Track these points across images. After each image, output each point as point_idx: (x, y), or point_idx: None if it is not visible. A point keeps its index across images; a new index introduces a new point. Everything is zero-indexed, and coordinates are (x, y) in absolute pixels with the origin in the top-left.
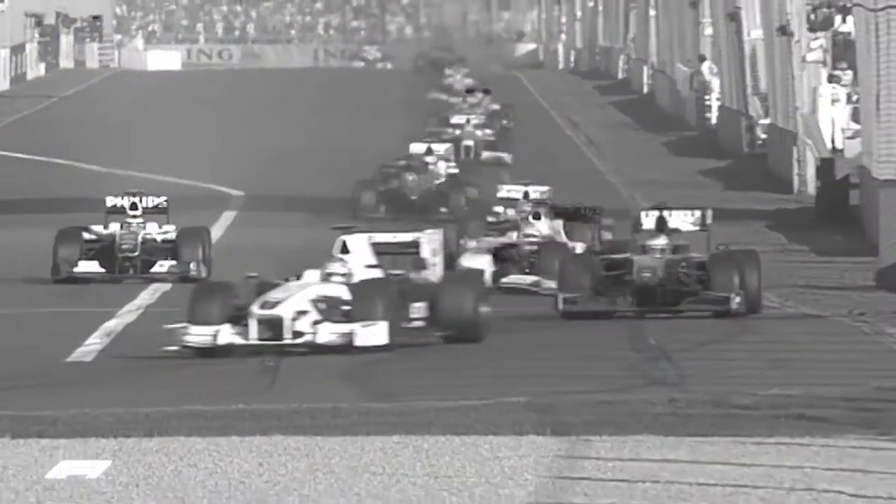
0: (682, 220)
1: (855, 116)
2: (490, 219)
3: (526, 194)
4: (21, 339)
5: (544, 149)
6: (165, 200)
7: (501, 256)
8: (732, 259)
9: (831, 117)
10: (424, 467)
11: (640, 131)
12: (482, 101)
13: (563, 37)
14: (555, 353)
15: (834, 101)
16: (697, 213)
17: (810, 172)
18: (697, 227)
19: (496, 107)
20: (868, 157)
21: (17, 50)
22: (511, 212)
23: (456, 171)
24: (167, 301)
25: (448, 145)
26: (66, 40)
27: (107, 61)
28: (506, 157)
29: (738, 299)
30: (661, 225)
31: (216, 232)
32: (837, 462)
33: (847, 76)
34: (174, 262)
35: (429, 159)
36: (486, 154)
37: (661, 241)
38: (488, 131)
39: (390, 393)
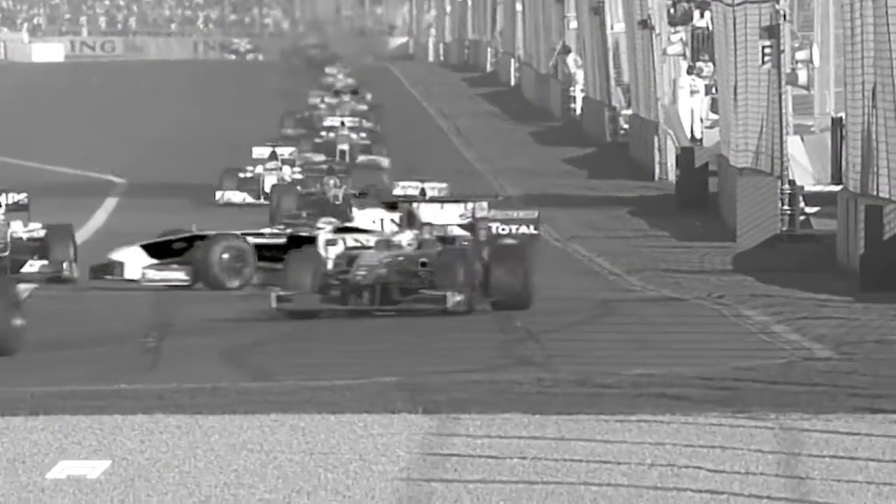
0: (450, 214)
1: (713, 107)
2: None
3: (423, 191)
4: None
5: (415, 138)
6: (26, 196)
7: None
8: (461, 256)
9: (691, 108)
10: (300, 444)
11: (507, 121)
12: (349, 103)
13: (433, 31)
14: (424, 335)
15: (693, 93)
16: (470, 206)
17: (671, 161)
18: (468, 220)
19: (363, 107)
20: (726, 147)
21: None
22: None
23: (300, 176)
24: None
25: (293, 149)
26: None
27: None
28: (383, 161)
29: (457, 298)
30: (411, 220)
31: (100, 217)
32: (697, 439)
33: (708, 68)
34: (45, 262)
35: (270, 165)
36: (361, 158)
37: (405, 237)
38: (363, 134)
39: (267, 373)
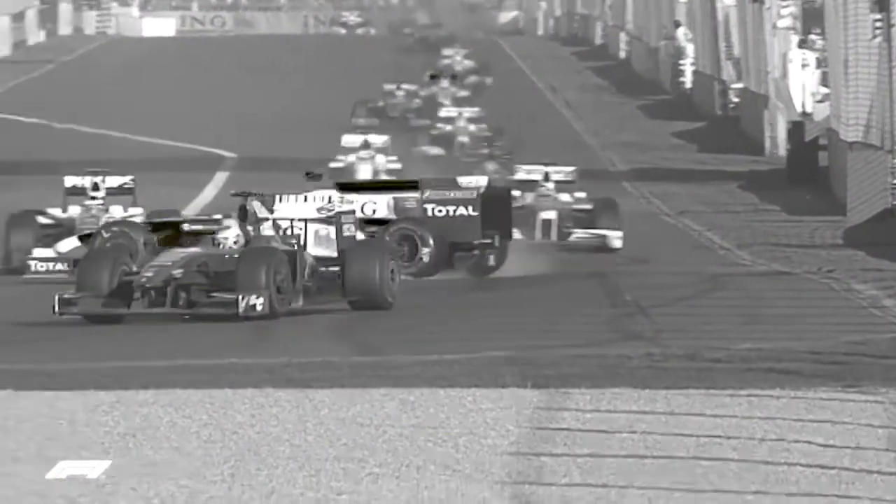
0: (308, 208)
1: (824, 81)
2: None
3: (546, 175)
4: None
5: (525, 111)
6: (132, 180)
7: None
8: (263, 257)
9: (801, 82)
10: (410, 418)
11: (616, 95)
12: (447, 89)
13: (543, 4)
14: (534, 310)
15: (804, 66)
16: (326, 196)
17: (781, 135)
18: (326, 214)
19: (464, 93)
20: (836, 120)
21: (18, 17)
22: (529, 195)
23: (398, 166)
24: None
25: (386, 137)
26: (64, 8)
27: (104, 28)
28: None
29: (254, 301)
30: (243, 214)
31: (210, 191)
32: (807, 413)
33: (820, 41)
34: None
35: (363, 154)
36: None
37: (230, 234)
38: (483, 126)
39: (377, 347)
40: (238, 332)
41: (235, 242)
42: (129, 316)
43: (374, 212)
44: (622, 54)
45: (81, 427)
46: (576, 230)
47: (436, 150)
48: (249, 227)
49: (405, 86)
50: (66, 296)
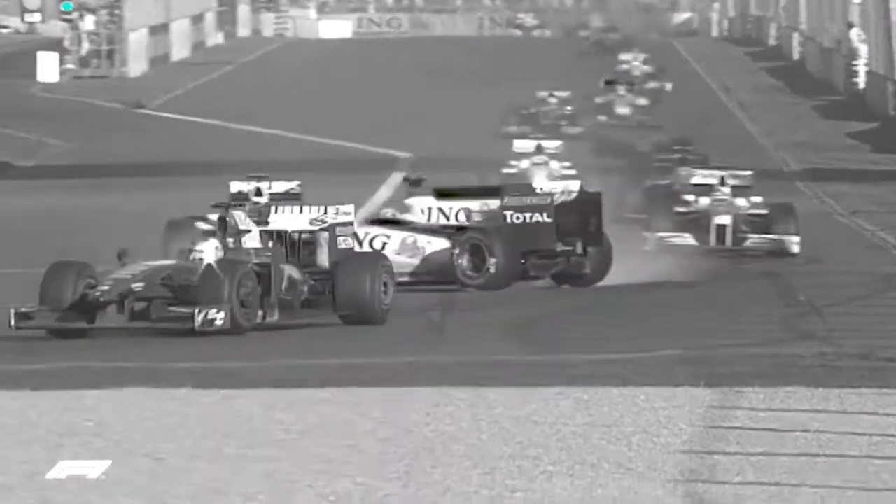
0: (300, 220)
1: None
2: (680, 209)
3: (722, 180)
4: None
5: (698, 112)
6: (298, 185)
7: None
8: (227, 271)
9: None
10: (584, 417)
11: (790, 95)
12: (624, 97)
13: (717, 6)
14: (707, 310)
15: None
16: (331, 210)
17: None
18: (319, 227)
19: (642, 101)
20: None
21: (198, 19)
22: (704, 200)
23: (573, 171)
24: None
25: (560, 142)
26: (243, 10)
27: (282, 30)
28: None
29: (213, 315)
30: (223, 226)
31: (384, 192)
32: None
33: None
34: None
35: (537, 159)
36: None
37: (208, 246)
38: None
39: (552, 346)
40: (413, 331)
41: (217, 254)
42: (94, 330)
43: (467, 217)
44: (796, 55)
45: (259, 424)
46: (751, 235)
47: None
48: (230, 239)
49: (557, 93)
50: (22, 309)
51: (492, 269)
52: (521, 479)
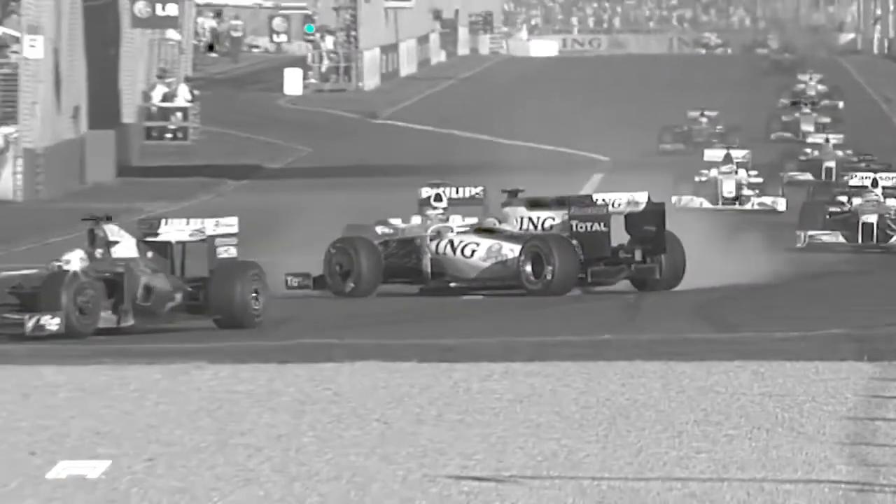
0: (183, 231)
1: None
2: (833, 209)
3: (875, 181)
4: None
5: (861, 122)
6: (482, 190)
7: None
8: (63, 280)
9: None
10: (760, 387)
11: None
12: (809, 115)
13: (879, 26)
14: (866, 295)
15: None
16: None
17: None
18: (199, 238)
19: (825, 120)
20: None
21: (423, 40)
22: (857, 200)
23: (760, 180)
24: None
25: (746, 151)
26: (462, 32)
27: (496, 49)
28: None
29: (44, 321)
30: (91, 238)
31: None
32: None
33: None
34: None
35: (725, 168)
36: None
37: (74, 256)
38: (849, 151)
39: (732, 325)
40: (610, 313)
41: (81, 264)
42: None
43: (550, 227)
44: None
45: (475, 395)
46: None
47: (805, 177)
48: (98, 251)
49: (708, 112)
50: None
51: (548, 276)
52: (705, 442)
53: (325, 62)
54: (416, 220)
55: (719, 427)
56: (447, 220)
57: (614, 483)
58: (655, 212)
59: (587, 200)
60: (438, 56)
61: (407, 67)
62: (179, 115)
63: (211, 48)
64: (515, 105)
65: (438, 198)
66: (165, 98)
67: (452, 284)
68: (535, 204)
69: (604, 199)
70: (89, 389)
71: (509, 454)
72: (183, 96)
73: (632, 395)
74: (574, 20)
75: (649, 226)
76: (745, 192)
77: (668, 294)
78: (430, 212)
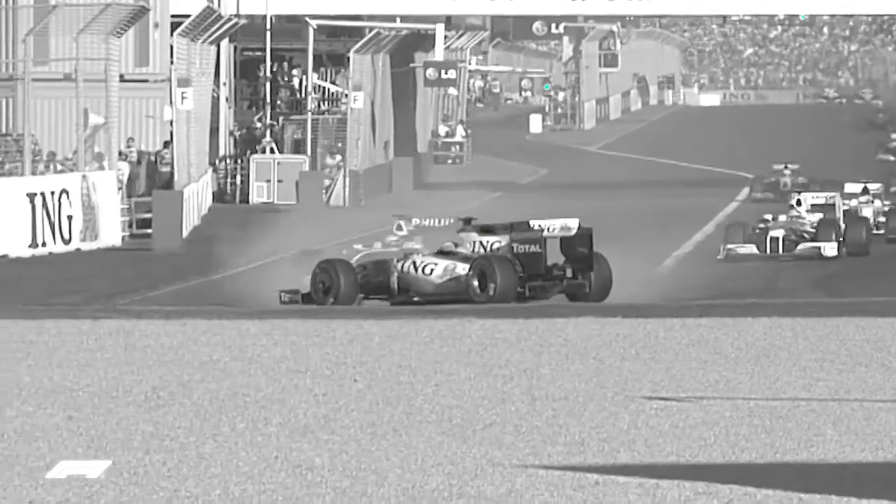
0: None
1: None
2: (758, 226)
3: (798, 201)
4: None
5: None
6: (451, 221)
7: None
8: None
9: None
10: (862, 336)
11: None
12: None
13: None
14: None
15: None
16: None
17: None
18: None
19: None
20: None
21: (625, 94)
22: (783, 217)
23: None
24: None
25: (879, 185)
26: (653, 88)
27: (676, 100)
28: None
29: None
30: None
31: (732, 205)
32: None
33: None
34: None
35: (864, 198)
36: None
37: None
38: None
39: (841, 292)
40: (755, 283)
41: None
42: None
43: (497, 249)
44: None
45: (661, 340)
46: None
47: None
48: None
49: (791, 165)
50: None
51: (491, 292)
52: (822, 374)
53: (559, 110)
54: (377, 245)
55: (832, 363)
56: (415, 245)
57: (758, 402)
58: (585, 235)
59: (526, 226)
60: (636, 105)
61: (614, 114)
62: (456, 147)
63: (478, 101)
64: (689, 139)
65: (399, 227)
66: (447, 135)
67: (416, 298)
68: (485, 230)
69: (540, 225)
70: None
71: (685, 382)
72: (459, 134)
73: (770, 341)
74: (731, 80)
75: (580, 247)
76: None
77: (796, 267)
78: (389, 238)
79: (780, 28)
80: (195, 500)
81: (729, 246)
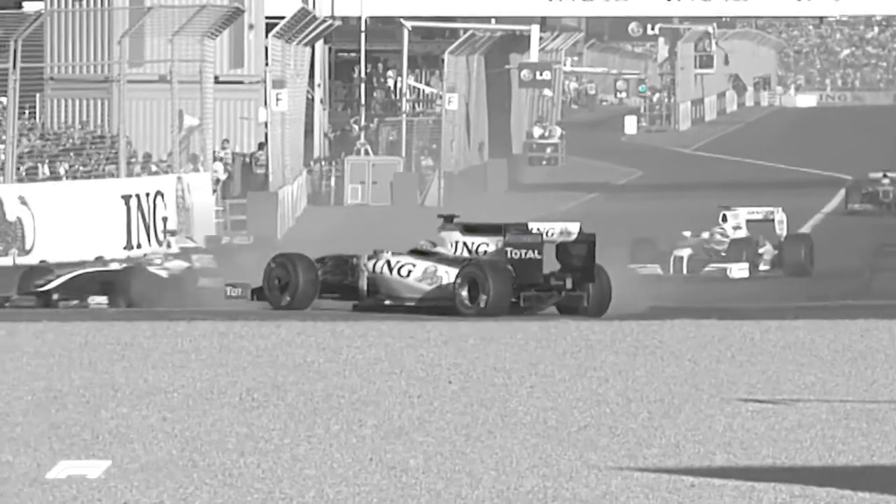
0: None
1: None
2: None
3: (724, 217)
4: None
5: None
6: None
7: None
8: None
9: None
10: None
11: None
12: None
13: None
14: None
15: None
16: None
17: None
18: None
19: None
20: None
21: (721, 96)
22: (705, 234)
23: None
24: None
25: None
26: (749, 90)
27: (772, 101)
28: None
29: None
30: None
31: (831, 205)
32: None
33: None
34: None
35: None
36: None
37: None
38: None
39: None
40: (847, 286)
41: None
42: None
43: (485, 252)
44: None
45: (757, 342)
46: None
47: None
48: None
49: (890, 174)
50: None
51: (481, 304)
52: None
53: (653, 111)
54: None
55: None
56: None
57: (855, 404)
58: (586, 242)
59: (523, 229)
60: (732, 106)
61: (709, 115)
62: (550, 148)
63: (573, 102)
64: (786, 140)
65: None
66: (542, 136)
67: (387, 302)
68: (469, 229)
69: (538, 228)
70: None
71: (781, 384)
72: (555, 135)
73: (867, 343)
74: (828, 81)
75: (580, 255)
76: None
77: (893, 269)
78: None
79: (876, 29)
80: (289, 503)
81: (630, 266)
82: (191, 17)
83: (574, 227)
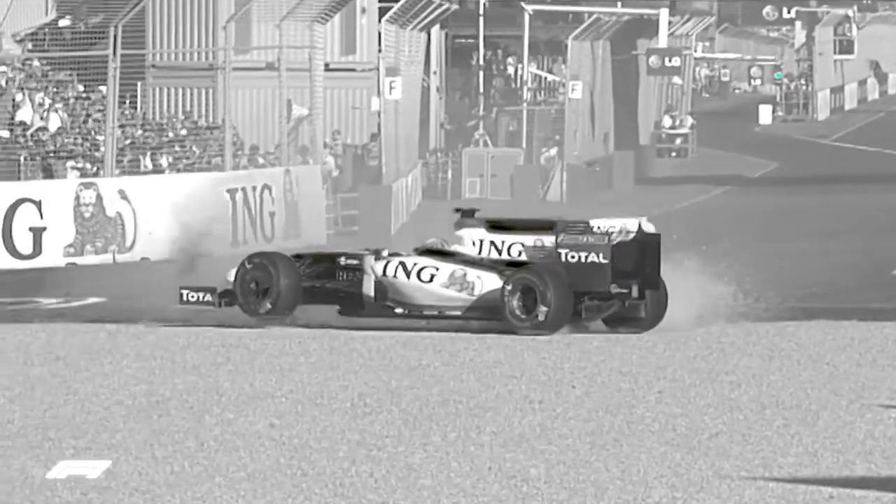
0: None
1: None
2: None
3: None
4: None
5: None
6: None
7: None
8: None
9: None
10: None
11: None
12: None
13: None
14: None
15: None
16: None
17: None
18: None
19: None
20: None
21: (862, 83)
22: None
23: None
24: None
25: None
26: (892, 76)
27: None
28: None
29: None
30: None
31: None
32: None
33: None
34: None
35: None
36: None
37: None
38: None
39: None
40: None
41: None
42: None
43: (519, 253)
44: None
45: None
46: None
47: None
48: None
49: None
50: None
51: (540, 318)
52: None
53: (790, 100)
54: None
55: None
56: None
57: None
58: (651, 243)
59: (583, 227)
60: (874, 94)
61: (849, 103)
62: (680, 139)
63: (704, 90)
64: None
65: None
66: (671, 126)
67: (398, 311)
68: (496, 226)
69: (599, 227)
70: None
71: None
72: (685, 125)
73: None
74: None
75: (641, 258)
76: None
77: None
78: None
79: None
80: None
81: None
82: (300, 1)
83: (633, 225)
